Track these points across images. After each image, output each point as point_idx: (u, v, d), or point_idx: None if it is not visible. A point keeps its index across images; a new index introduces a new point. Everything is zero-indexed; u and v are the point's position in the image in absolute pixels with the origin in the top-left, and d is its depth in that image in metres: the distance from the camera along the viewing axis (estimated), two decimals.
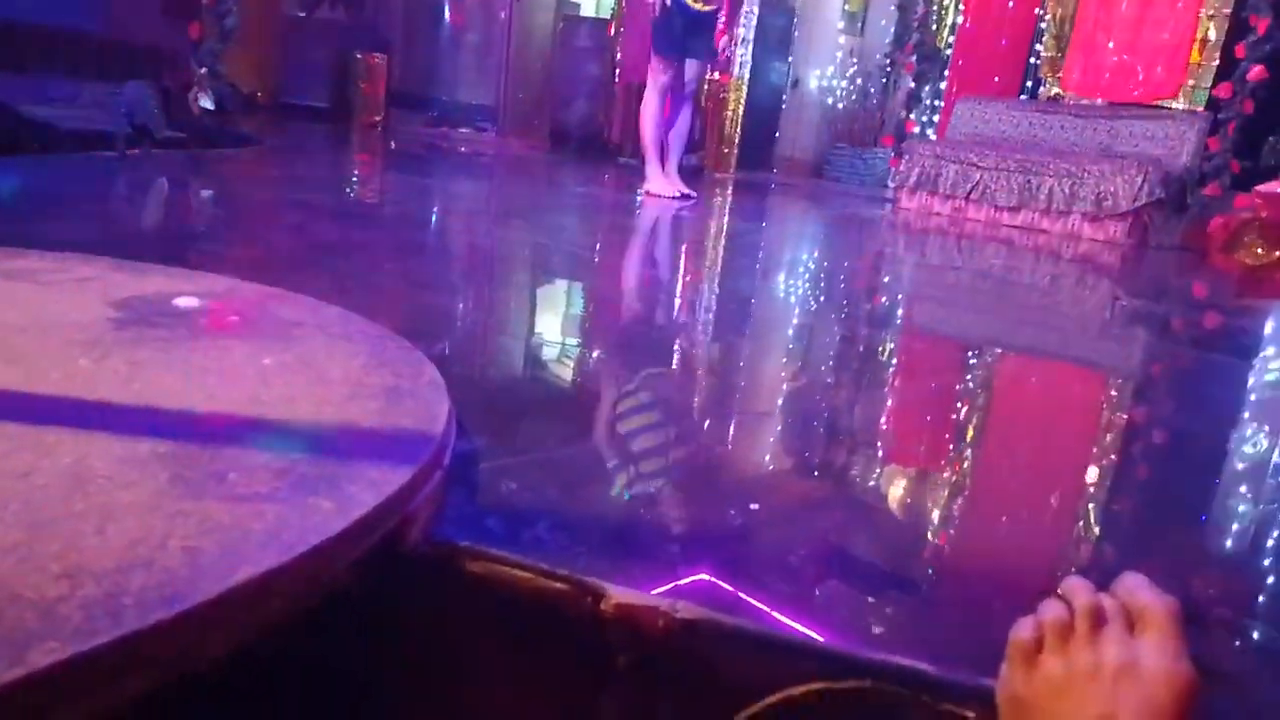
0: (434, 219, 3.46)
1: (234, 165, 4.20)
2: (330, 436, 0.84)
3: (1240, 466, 1.46)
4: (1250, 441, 1.62)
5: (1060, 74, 6.35)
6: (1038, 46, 6.61)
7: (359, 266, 2.16)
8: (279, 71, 7.82)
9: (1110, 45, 6.01)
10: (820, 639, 0.73)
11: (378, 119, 7.67)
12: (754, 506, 1.00)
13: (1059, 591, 0.65)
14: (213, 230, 2.58)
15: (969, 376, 1.92)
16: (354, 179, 4.56)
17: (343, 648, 0.75)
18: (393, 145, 6.68)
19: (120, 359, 0.97)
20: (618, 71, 8.08)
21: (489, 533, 0.84)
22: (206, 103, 4.50)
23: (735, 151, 8.06)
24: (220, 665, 0.58)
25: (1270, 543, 1.13)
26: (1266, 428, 1.71)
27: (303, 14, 8.01)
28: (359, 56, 7.60)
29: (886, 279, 3.38)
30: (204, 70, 4.58)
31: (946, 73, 7.07)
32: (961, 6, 6.97)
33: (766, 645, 0.73)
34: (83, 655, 0.49)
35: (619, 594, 0.75)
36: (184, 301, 1.23)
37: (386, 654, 0.79)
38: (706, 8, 4.62)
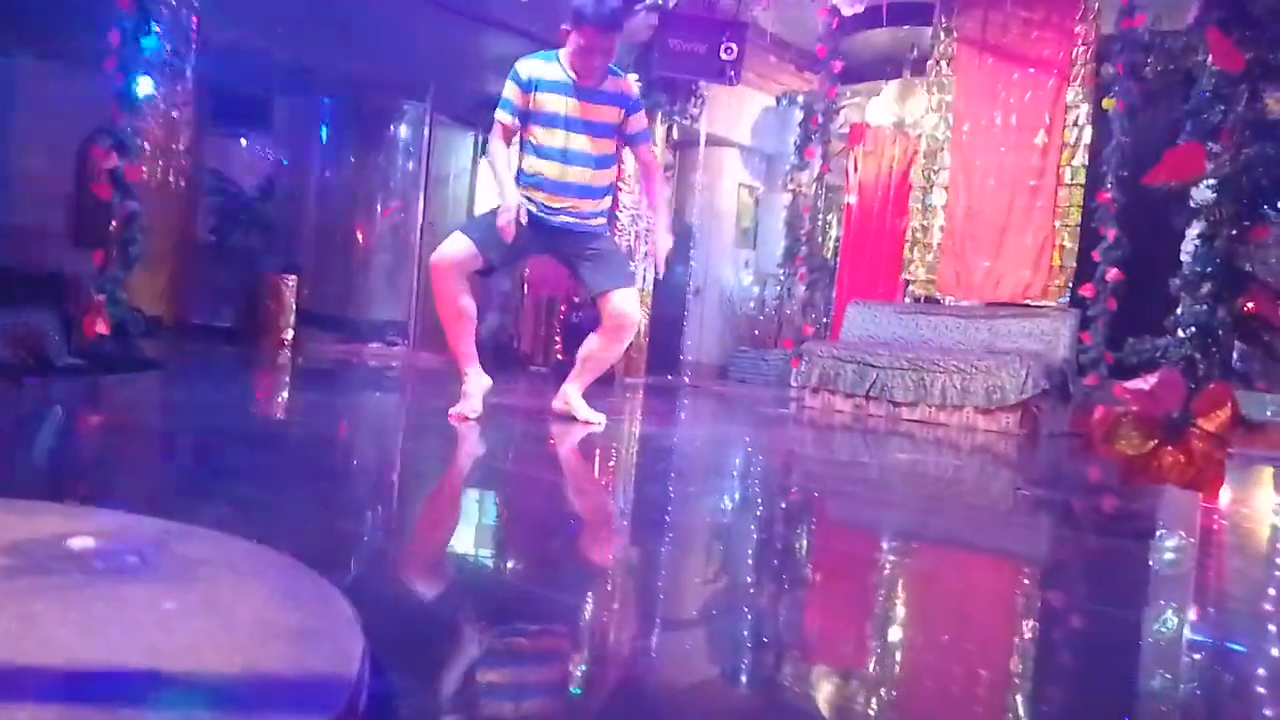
0: (341, 438, 3.42)
1: (134, 391, 4.12)
2: (238, 688, 0.79)
3: (1156, 646, 1.49)
4: (1160, 620, 1.66)
5: (935, 280, 6.85)
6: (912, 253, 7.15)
7: (264, 492, 2.10)
8: (187, 294, 7.85)
9: (976, 253, 6.56)
10: None
11: (286, 338, 7.69)
12: (680, 680, 0.96)
13: None
14: (109, 461, 2.50)
15: (886, 570, 1.94)
16: (258, 400, 4.51)
17: None
18: (300, 363, 6.67)
19: (10, 614, 0.91)
20: (526, 286, 8.40)
21: None
22: (103, 329, 4.47)
23: (644, 356, 8.31)
24: None
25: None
26: (1173, 605, 1.76)
27: (214, 237, 8.16)
28: (268, 277, 7.72)
29: (802, 478, 3.45)
30: (102, 297, 4.57)
31: (836, 278, 7.56)
32: (843, 219, 7.57)
33: None
34: None
35: None
36: (78, 542, 1.17)
37: None
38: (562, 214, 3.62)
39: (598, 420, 3.88)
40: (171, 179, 7.16)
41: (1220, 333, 4.73)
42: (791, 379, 7.07)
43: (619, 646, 1.30)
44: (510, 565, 1.77)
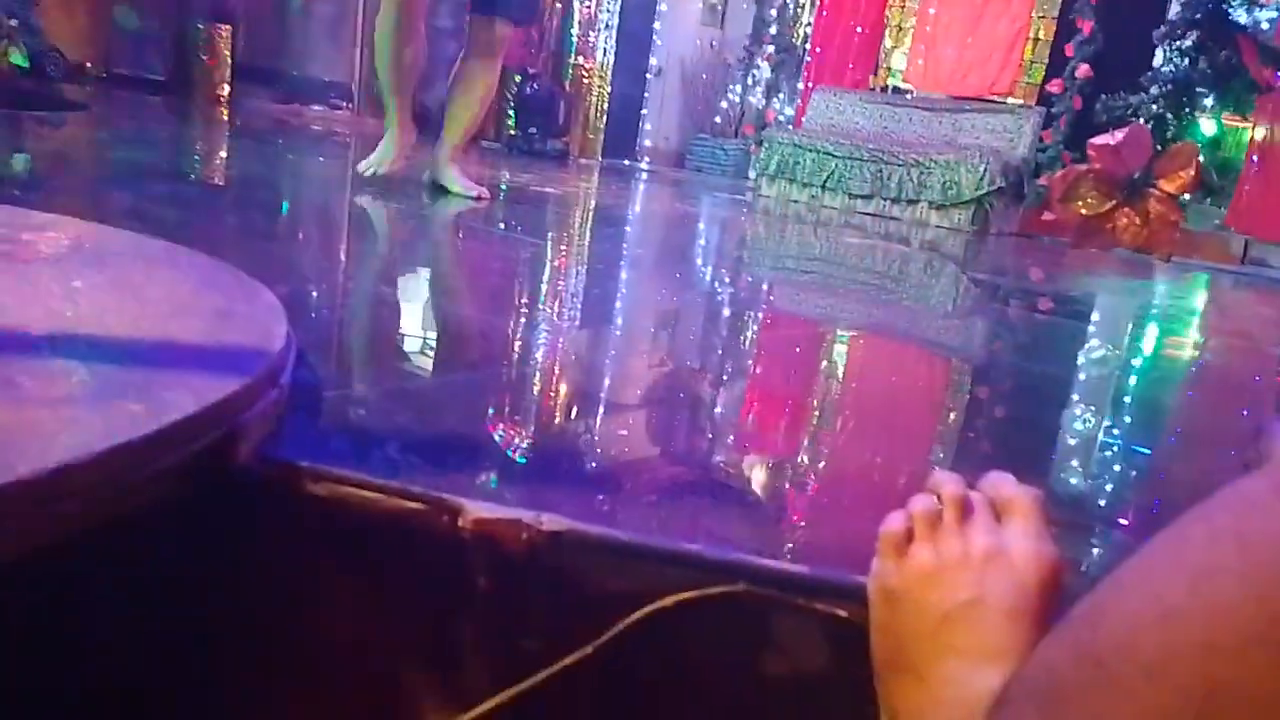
0: (281, 188, 3.27)
1: (56, 130, 3.85)
2: (146, 350, 0.75)
3: (1077, 397, 1.53)
4: (1085, 377, 1.71)
5: (903, 69, 6.62)
6: (887, 40, 6.87)
7: (195, 219, 2.00)
8: (111, 40, 7.27)
9: (947, 42, 6.31)
10: (691, 546, 0.69)
11: (222, 94, 7.24)
12: (622, 432, 0.96)
13: (928, 486, 0.65)
14: (25, 184, 2.35)
15: (829, 345, 1.94)
16: (194, 150, 4.27)
17: (166, 568, 0.67)
18: (238, 122, 6.32)
19: None
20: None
21: (335, 456, 0.77)
22: (19, 59, 4.11)
23: (600, 139, 8.05)
24: (18, 570, 0.49)
25: (1104, 454, 1.17)
26: (1097, 366, 1.81)
27: None
28: (200, 26, 7.15)
29: (746, 265, 3.42)
30: (14, 22, 4.18)
31: (804, 65, 7.26)
32: (817, 1, 7.18)
33: (635, 553, 0.68)
34: None
35: (477, 509, 0.69)
36: None
37: (215, 577, 0.71)
38: None
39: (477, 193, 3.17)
40: None
41: (1197, 90, 4.62)
42: (749, 168, 6.93)
43: (551, 390, 1.29)
44: (450, 300, 1.73)
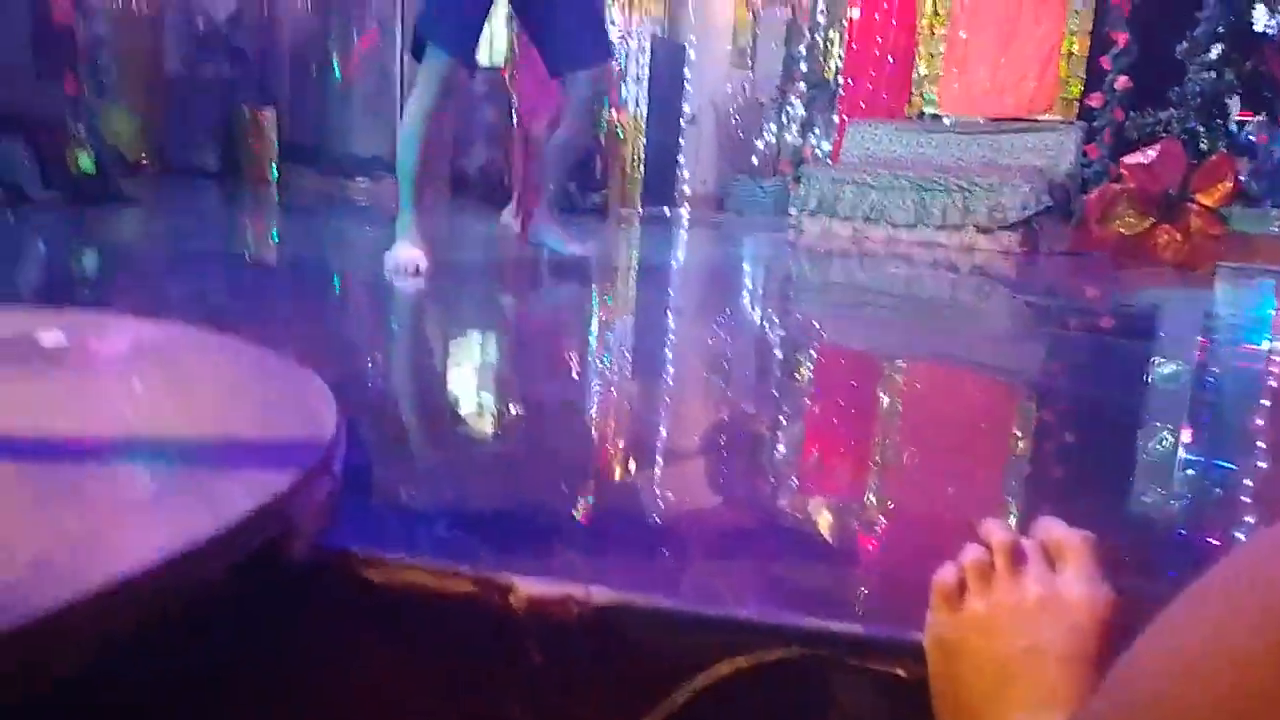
0: (328, 265, 3.36)
1: (115, 224, 4.03)
2: (204, 448, 0.77)
3: (1144, 432, 1.49)
4: (1151, 409, 1.66)
5: (937, 94, 6.60)
6: (919, 67, 6.86)
7: (246, 305, 2.07)
8: (163, 134, 7.58)
9: (980, 64, 6.28)
10: (743, 612, 0.69)
11: (269, 175, 7.49)
12: (669, 495, 0.96)
13: (979, 535, 0.64)
14: (86, 279, 2.45)
15: (892, 380, 1.93)
16: (244, 231, 4.42)
17: (230, 660, 0.68)
18: (286, 201, 6.53)
19: None
20: (515, 116, 8.10)
21: (387, 539, 0.78)
22: (86, 163, 4.32)
23: (639, 188, 8.13)
24: (90, 675, 0.51)
25: (1176, 486, 1.14)
26: (1163, 398, 1.76)
27: (186, 72, 7.80)
28: (246, 111, 7.42)
29: (798, 303, 3.41)
30: (82, 126, 4.40)
31: (837, 98, 7.28)
32: (845, 35, 7.21)
33: (688, 622, 0.68)
34: None
35: (528, 585, 0.70)
36: (47, 335, 1.14)
37: (281, 664, 0.73)
38: None
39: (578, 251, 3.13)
40: (135, 5, 6.78)
41: (1226, 101, 4.53)
42: (790, 205, 6.93)
43: (605, 455, 1.29)
44: (499, 375, 1.76)
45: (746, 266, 4.53)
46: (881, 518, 1.00)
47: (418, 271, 2.62)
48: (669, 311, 2.67)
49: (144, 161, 7.15)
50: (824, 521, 0.97)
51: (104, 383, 0.95)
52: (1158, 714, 0.32)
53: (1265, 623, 0.29)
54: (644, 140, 8.04)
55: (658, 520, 0.92)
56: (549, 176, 3.10)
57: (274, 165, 7.52)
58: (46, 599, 0.50)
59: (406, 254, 2.65)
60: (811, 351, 2.18)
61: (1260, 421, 1.67)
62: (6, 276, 2.24)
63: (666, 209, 8.41)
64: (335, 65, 8.31)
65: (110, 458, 0.72)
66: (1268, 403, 1.83)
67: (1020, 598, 0.58)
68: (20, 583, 0.51)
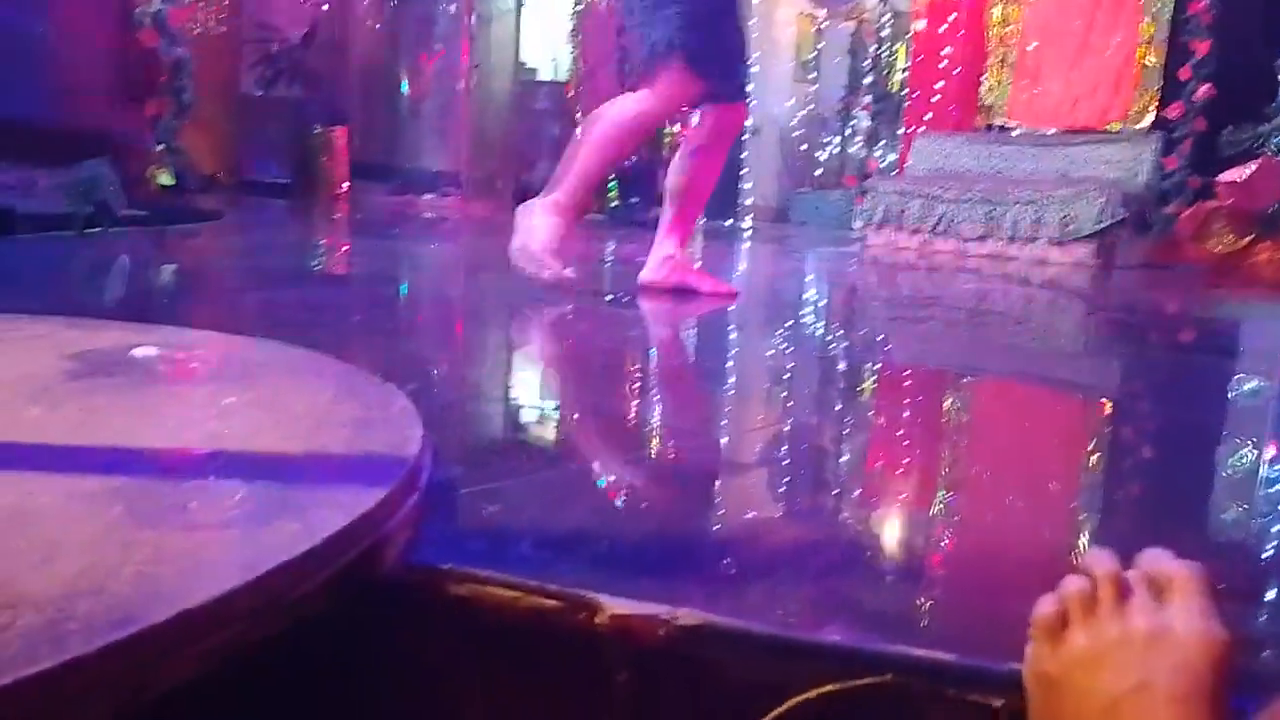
0: (402, 279, 3.43)
1: (196, 240, 4.16)
2: (296, 465, 0.79)
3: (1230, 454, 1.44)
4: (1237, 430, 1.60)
5: (1006, 105, 6.47)
6: (988, 78, 6.75)
7: (327, 319, 2.11)
8: (238, 150, 7.82)
9: (1053, 75, 6.15)
10: (833, 637, 0.68)
11: (341, 191, 7.66)
12: (750, 514, 0.95)
13: (1080, 566, 0.62)
14: (174, 296, 2.54)
15: (968, 395, 1.89)
16: (319, 247, 4.53)
17: (321, 674, 0.70)
18: (358, 217, 6.67)
19: (73, 406, 0.92)
20: (579, 132, 8.18)
21: (472, 556, 0.79)
22: (167, 180, 4.47)
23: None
24: (188, 690, 0.52)
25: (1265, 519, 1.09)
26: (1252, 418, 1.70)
27: (260, 92, 8.04)
28: (318, 130, 7.61)
29: (865, 317, 3.37)
30: (162, 147, 4.56)
31: (903, 110, 7.20)
32: (910, 47, 7.13)
33: (776, 647, 0.68)
34: (14, 685, 0.44)
35: (614, 605, 0.70)
36: (141, 351, 1.18)
37: (369, 681, 0.74)
38: None
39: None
40: (213, 26, 7.01)
41: None
42: (854, 218, 6.87)
43: (677, 470, 1.29)
44: (573, 390, 1.77)
45: (810, 278, 4.50)
46: (966, 545, 0.98)
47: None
48: (734, 328, 2.65)
49: (219, 176, 7.37)
50: (914, 546, 0.95)
51: (196, 399, 0.98)
52: None
53: None
54: None
55: (746, 542, 0.91)
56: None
57: (345, 182, 7.69)
58: (151, 614, 0.51)
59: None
60: (897, 370, 2.15)
61: None
62: (101, 293, 2.33)
63: (729, 221, 8.39)
64: (404, 85, 8.48)
65: (204, 474, 0.74)
66: None
67: (1126, 632, 0.55)
68: (126, 599, 0.52)
